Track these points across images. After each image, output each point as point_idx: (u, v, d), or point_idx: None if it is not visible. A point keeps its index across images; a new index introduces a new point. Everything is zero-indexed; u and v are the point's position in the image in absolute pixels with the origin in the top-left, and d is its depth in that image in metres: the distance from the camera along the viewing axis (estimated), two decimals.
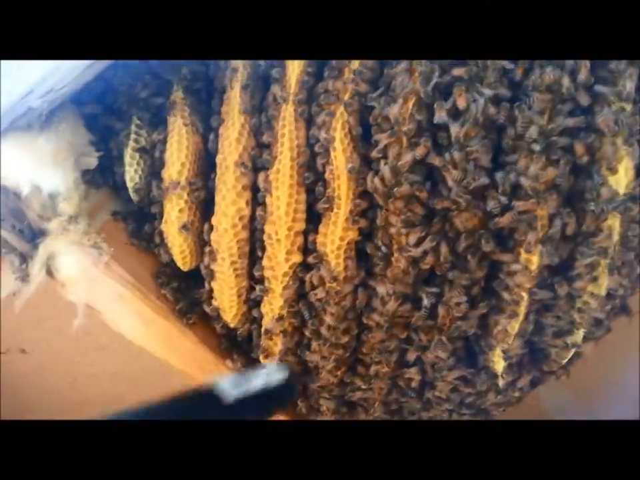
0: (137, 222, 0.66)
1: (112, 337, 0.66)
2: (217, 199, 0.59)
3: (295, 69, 0.56)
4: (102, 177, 0.65)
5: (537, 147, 0.47)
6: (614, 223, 0.48)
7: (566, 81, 0.47)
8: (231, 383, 0.43)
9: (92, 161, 0.62)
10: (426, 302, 0.56)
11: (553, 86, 0.47)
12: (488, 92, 0.48)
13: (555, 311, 0.54)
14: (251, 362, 0.67)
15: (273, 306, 0.60)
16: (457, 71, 0.49)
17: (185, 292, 0.65)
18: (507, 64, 0.49)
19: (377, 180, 0.53)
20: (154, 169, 0.63)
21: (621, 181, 0.48)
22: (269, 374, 0.46)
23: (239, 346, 0.68)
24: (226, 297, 0.62)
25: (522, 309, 0.53)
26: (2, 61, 0.50)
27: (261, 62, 0.59)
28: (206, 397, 0.43)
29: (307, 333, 0.61)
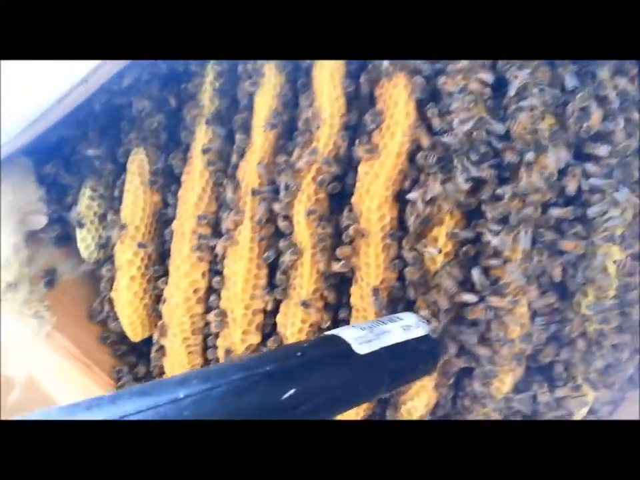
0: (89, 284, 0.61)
1: None
2: (171, 269, 0.54)
3: (255, 157, 0.51)
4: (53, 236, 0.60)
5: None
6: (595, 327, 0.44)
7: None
8: (355, 339, 0.37)
9: (41, 220, 0.58)
10: None
11: None
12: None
13: None
14: None
15: None
16: None
17: (134, 363, 0.60)
18: None
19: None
20: (108, 229, 0.58)
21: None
22: (406, 327, 0.40)
23: None
24: None
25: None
26: None
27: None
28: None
29: None
